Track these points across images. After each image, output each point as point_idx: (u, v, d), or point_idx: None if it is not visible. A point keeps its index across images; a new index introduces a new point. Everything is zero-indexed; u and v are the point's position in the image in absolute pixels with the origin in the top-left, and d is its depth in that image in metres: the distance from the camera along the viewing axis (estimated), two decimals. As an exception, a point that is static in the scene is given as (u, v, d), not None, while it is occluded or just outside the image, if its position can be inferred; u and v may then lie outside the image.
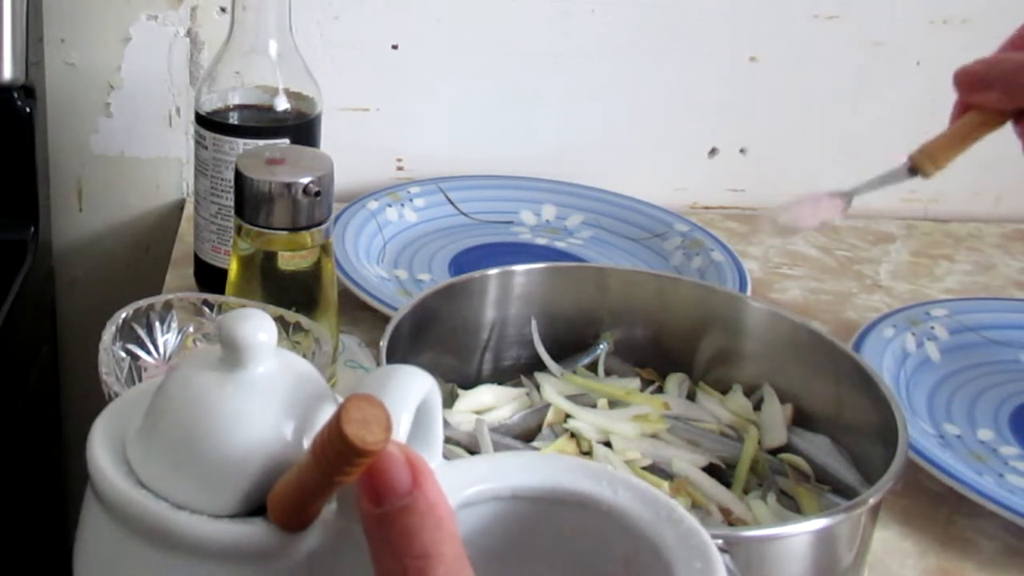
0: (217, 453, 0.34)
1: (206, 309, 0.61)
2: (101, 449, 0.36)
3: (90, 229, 1.01)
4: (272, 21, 0.76)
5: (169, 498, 0.34)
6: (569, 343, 0.67)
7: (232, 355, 0.35)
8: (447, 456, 0.37)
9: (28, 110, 0.85)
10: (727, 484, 0.58)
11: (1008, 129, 0.60)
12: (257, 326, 0.35)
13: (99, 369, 0.55)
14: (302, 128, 0.77)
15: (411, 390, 0.34)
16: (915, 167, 0.57)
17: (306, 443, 0.34)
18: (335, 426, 0.29)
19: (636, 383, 0.65)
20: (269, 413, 0.34)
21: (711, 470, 0.59)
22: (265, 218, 0.64)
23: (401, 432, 0.33)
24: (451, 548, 0.30)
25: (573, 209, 0.97)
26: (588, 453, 0.59)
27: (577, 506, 0.36)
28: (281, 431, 0.34)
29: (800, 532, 0.49)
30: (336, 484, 0.31)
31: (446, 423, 0.61)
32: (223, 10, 0.94)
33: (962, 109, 0.59)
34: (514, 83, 1.00)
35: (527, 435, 0.61)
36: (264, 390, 0.35)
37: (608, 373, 0.66)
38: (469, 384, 0.64)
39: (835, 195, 0.60)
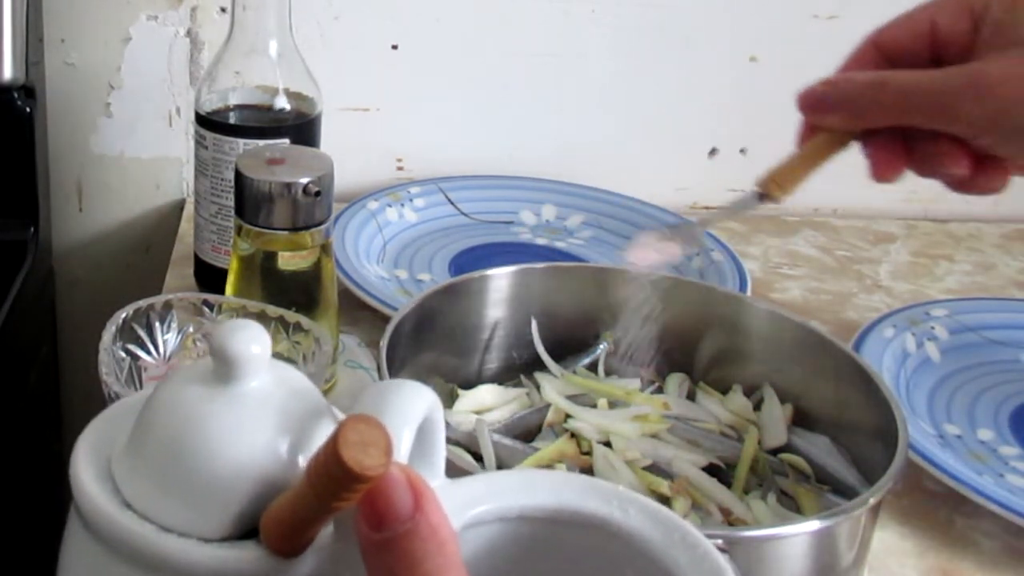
0: (207, 472, 0.32)
1: (206, 309, 0.60)
2: (85, 465, 0.34)
3: (90, 229, 1.01)
4: (272, 21, 0.76)
5: (156, 519, 0.32)
6: (569, 343, 0.67)
7: (224, 368, 0.33)
8: (448, 459, 0.37)
9: (28, 110, 0.85)
10: (727, 484, 0.58)
11: None
12: (251, 337, 0.33)
13: (99, 369, 0.55)
14: (302, 128, 0.77)
15: (414, 407, 0.33)
16: (764, 193, 0.54)
17: (302, 461, 0.32)
18: (331, 450, 0.28)
19: (636, 383, 0.65)
20: (262, 430, 0.32)
21: (711, 470, 0.59)
22: (265, 218, 0.64)
23: (403, 452, 0.32)
24: (454, 574, 0.29)
25: (573, 209, 0.97)
26: (588, 453, 0.59)
27: (586, 527, 0.35)
28: (275, 449, 0.32)
29: (800, 532, 0.49)
30: (333, 510, 0.30)
31: (446, 424, 0.61)
32: (223, 10, 0.94)
33: (808, 131, 0.57)
34: (514, 83, 1.00)
35: (527, 435, 0.61)
36: (257, 405, 0.33)
37: (608, 373, 0.66)
38: (469, 384, 0.64)
39: (683, 227, 0.57)
